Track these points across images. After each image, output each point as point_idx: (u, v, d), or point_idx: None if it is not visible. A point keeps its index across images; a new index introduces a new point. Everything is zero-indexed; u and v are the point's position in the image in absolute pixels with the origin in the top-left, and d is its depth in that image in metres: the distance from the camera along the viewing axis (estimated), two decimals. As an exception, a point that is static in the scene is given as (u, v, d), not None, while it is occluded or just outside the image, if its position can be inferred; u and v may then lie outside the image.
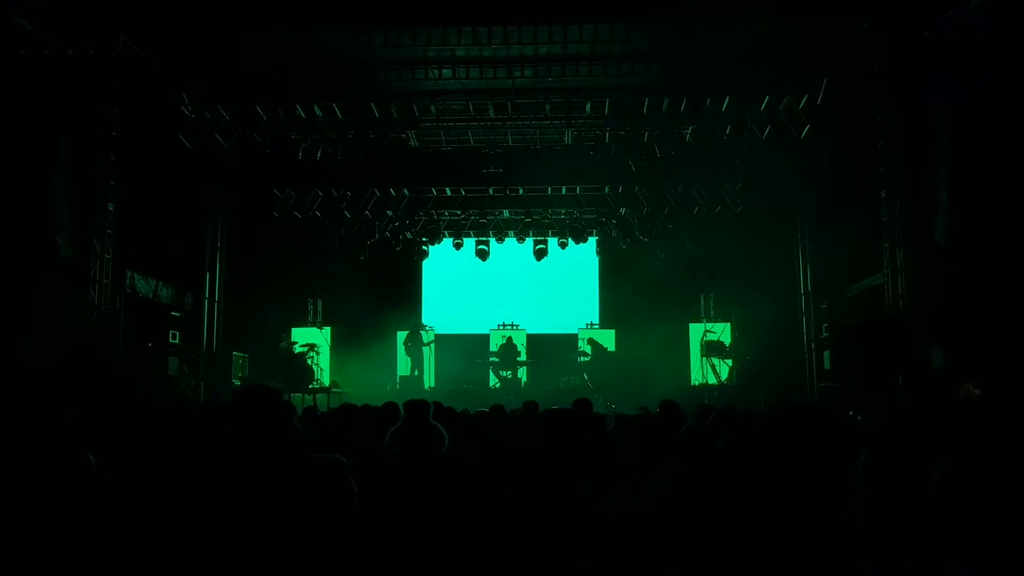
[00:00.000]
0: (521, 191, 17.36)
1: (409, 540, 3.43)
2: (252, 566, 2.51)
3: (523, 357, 18.17)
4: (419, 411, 3.98)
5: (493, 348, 18.27)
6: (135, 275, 14.09)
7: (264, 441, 2.65)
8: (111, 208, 12.71)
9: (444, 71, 13.60)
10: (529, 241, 18.84)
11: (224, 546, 2.53)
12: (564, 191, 17.62)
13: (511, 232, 18.74)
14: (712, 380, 17.25)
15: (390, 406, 6.21)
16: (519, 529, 3.08)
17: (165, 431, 4.81)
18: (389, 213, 17.80)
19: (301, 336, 18.07)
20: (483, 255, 18.61)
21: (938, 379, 10.63)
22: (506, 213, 18.51)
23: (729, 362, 17.32)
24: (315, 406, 11.45)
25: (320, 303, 18.84)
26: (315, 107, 14.65)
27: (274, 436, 2.67)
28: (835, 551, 3.02)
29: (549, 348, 18.67)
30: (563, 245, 18.71)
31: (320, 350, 17.73)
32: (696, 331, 18.20)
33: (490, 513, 3.04)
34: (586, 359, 17.83)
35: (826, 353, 15.11)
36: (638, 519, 3.33)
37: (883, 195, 12.63)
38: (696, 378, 17.72)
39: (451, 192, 17.62)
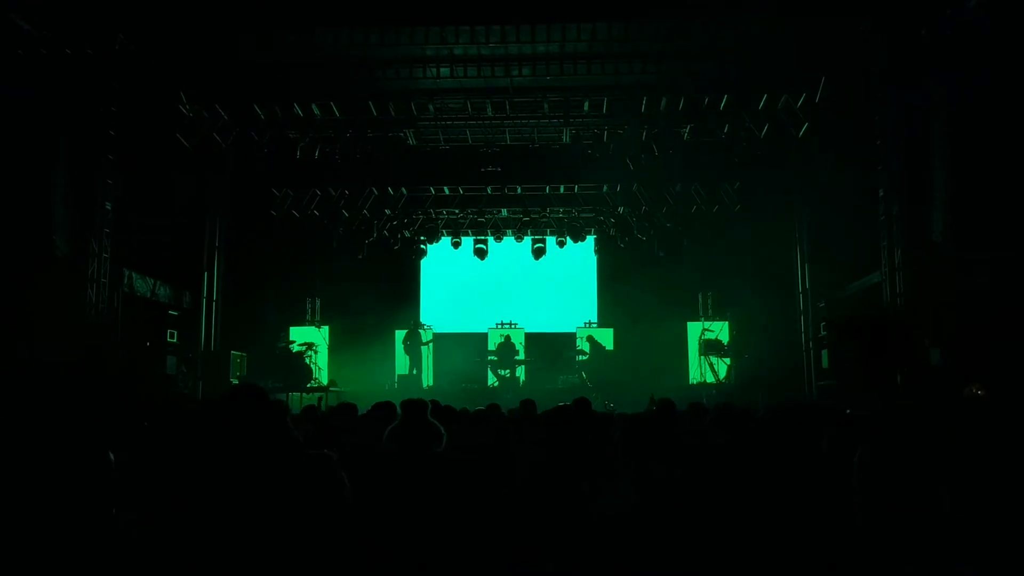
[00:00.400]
0: (519, 190, 17.36)
1: (406, 538, 3.42)
2: (245, 564, 2.50)
3: (521, 356, 18.17)
4: (417, 410, 3.97)
5: (491, 347, 18.26)
6: (133, 274, 14.07)
7: (254, 440, 2.65)
8: (108, 207, 12.69)
9: (442, 70, 13.58)
10: (527, 240, 18.84)
11: (216, 545, 2.52)
12: (562, 190, 17.63)
13: (509, 231, 18.74)
14: (710, 379, 17.26)
15: (388, 405, 6.20)
16: (518, 528, 3.08)
17: (162, 431, 4.81)
18: (387, 212, 17.79)
19: (299, 335, 18.06)
20: (481, 254, 18.61)
21: (937, 378, 10.63)
22: (504, 212, 18.51)
23: (727, 361, 17.33)
24: (317, 405, 11.44)
25: (318, 302, 18.85)
26: (313, 106, 14.65)
27: (264, 435, 2.66)
28: (836, 551, 3.02)
29: (547, 347, 18.68)
30: (561, 244, 18.73)
31: (318, 349, 17.74)
32: (694, 330, 18.22)
33: (488, 512, 3.04)
34: (584, 358, 17.84)
35: (824, 352, 15.12)
36: (636, 518, 3.33)
37: (881, 194, 12.62)
38: (694, 377, 17.74)
39: (449, 191, 17.62)
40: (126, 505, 3.17)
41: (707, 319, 18.16)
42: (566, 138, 16.18)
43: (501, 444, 5.23)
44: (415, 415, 3.90)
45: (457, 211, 18.34)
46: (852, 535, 2.88)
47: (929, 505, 2.39)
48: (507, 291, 19.65)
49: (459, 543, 3.14)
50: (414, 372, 17.62)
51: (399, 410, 4.35)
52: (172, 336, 14.50)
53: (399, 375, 17.85)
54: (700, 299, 18.38)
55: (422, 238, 19.21)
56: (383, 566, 3.31)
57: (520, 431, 6.11)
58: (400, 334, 18.32)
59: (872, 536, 2.77)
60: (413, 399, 4.10)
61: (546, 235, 18.93)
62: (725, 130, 15.00)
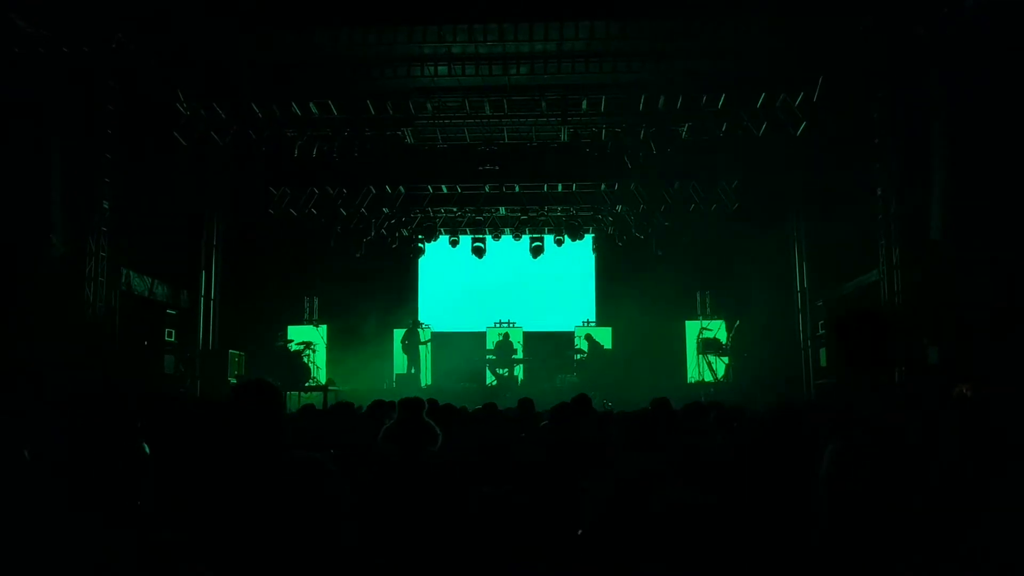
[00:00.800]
0: (517, 188, 17.36)
1: (401, 538, 3.42)
2: (243, 564, 2.50)
3: (519, 355, 18.17)
4: (413, 409, 3.97)
5: (489, 346, 18.26)
6: (131, 273, 14.05)
7: (258, 437, 2.64)
8: (106, 206, 12.68)
9: (440, 68, 13.57)
10: (525, 238, 18.82)
11: (216, 543, 2.52)
12: (560, 188, 17.61)
13: (507, 229, 18.72)
14: (708, 378, 17.27)
15: (387, 404, 6.21)
16: (515, 527, 3.08)
17: (168, 428, 4.80)
18: (385, 211, 17.77)
19: (297, 334, 18.06)
20: (479, 252, 18.58)
21: (935, 376, 10.63)
22: (502, 210, 18.49)
23: (726, 360, 17.33)
24: (320, 404, 11.47)
25: (316, 301, 18.84)
26: (311, 105, 14.63)
27: (268, 432, 2.66)
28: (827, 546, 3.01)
29: (545, 346, 18.68)
30: (559, 242, 18.70)
31: (316, 348, 17.74)
32: (692, 328, 18.22)
33: (485, 511, 3.04)
34: (582, 356, 17.84)
35: (822, 350, 15.14)
36: (633, 517, 3.33)
37: (879, 192, 12.63)
38: (693, 376, 17.74)
39: (447, 189, 17.60)
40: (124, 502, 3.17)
41: (705, 318, 18.16)
42: (564, 136, 16.15)
43: (498, 443, 5.23)
44: (411, 414, 3.90)
45: (455, 210, 18.32)
46: (819, 529, 2.87)
47: (903, 502, 2.38)
48: (505, 290, 19.64)
49: (455, 542, 3.14)
50: (412, 371, 17.62)
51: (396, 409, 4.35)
52: (170, 335, 14.50)
53: (397, 374, 17.85)
54: (698, 298, 18.37)
55: (420, 237, 19.19)
56: (380, 566, 3.31)
57: (517, 430, 6.11)
58: (398, 333, 18.32)
59: (838, 530, 2.76)
60: (410, 398, 4.10)
61: (544, 234, 18.90)
62: (723, 129, 14.99)
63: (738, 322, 17.15)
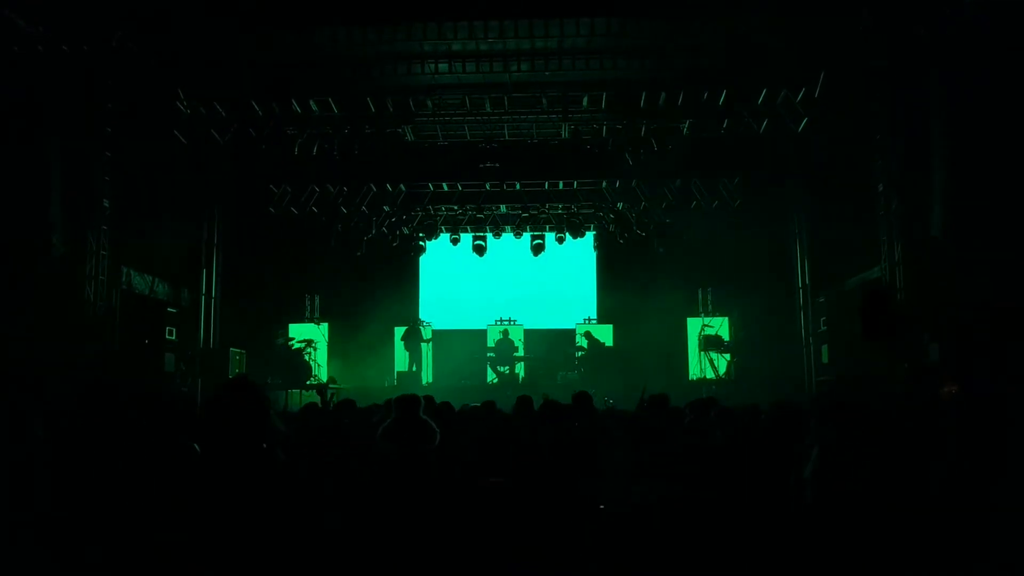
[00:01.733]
0: (518, 186, 17.33)
1: (398, 536, 3.42)
2: (236, 561, 2.49)
3: (520, 352, 18.16)
4: (409, 407, 3.96)
5: (490, 344, 18.25)
6: (131, 271, 14.06)
7: (240, 434, 2.63)
8: (106, 204, 12.68)
9: (440, 65, 13.56)
10: (526, 236, 18.80)
11: (206, 541, 2.52)
12: (561, 186, 17.58)
13: (508, 227, 18.72)
14: (710, 375, 17.25)
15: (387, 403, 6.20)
16: (512, 525, 3.07)
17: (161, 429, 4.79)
18: (386, 209, 17.76)
19: (298, 332, 18.07)
20: (480, 250, 18.57)
21: (936, 373, 10.61)
22: (503, 208, 18.49)
23: (727, 356, 17.32)
24: (328, 399, 11.47)
25: (317, 299, 18.84)
26: (311, 102, 14.61)
27: (251, 429, 2.65)
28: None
29: (546, 343, 18.66)
30: (560, 240, 18.68)
31: (317, 346, 17.74)
32: (694, 326, 18.20)
33: (482, 509, 3.03)
34: (583, 354, 17.83)
35: (824, 347, 15.10)
36: (630, 514, 3.33)
37: (880, 188, 12.62)
38: (694, 373, 17.73)
39: (448, 187, 17.59)
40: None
41: (707, 315, 18.13)
42: (565, 133, 16.11)
43: (497, 441, 5.22)
44: (407, 412, 3.89)
45: (456, 207, 18.31)
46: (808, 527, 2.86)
47: (892, 500, 2.37)
48: (506, 288, 19.63)
49: (453, 539, 3.13)
50: (413, 369, 17.61)
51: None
52: (171, 334, 14.49)
53: (398, 372, 17.84)
54: (700, 294, 18.34)
55: (421, 235, 19.16)
56: (378, 563, 3.30)
57: (515, 428, 6.11)
58: (399, 331, 18.32)
59: (826, 528, 2.75)
60: (405, 395, 4.09)
61: (545, 231, 18.88)
62: (724, 125, 14.98)
63: (743, 332, 17.15)
